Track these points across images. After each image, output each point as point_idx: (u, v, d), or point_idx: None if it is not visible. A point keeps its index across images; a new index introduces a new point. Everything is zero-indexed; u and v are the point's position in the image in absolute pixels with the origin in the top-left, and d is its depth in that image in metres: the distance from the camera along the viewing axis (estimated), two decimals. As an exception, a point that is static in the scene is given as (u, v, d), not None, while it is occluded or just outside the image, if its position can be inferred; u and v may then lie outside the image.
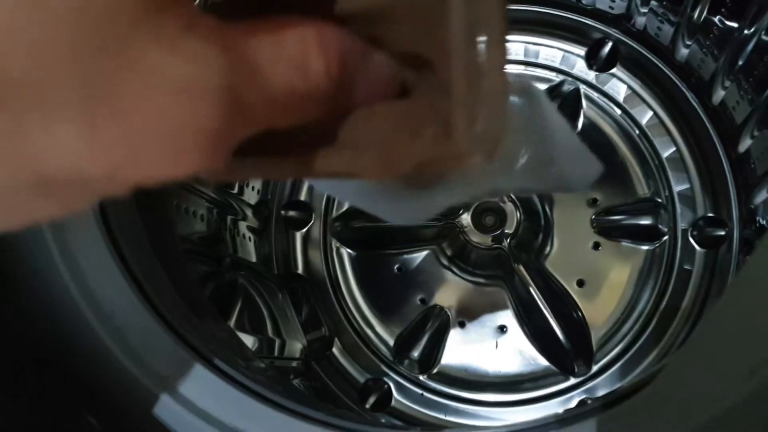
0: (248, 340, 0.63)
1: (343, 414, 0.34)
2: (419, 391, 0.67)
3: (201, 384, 0.32)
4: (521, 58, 0.71)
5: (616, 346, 0.65)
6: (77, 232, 0.36)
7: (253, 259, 0.69)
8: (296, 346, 0.68)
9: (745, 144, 0.62)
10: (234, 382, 0.33)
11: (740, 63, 0.60)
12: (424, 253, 0.70)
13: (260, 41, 0.19)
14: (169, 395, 0.32)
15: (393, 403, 0.67)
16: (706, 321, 0.31)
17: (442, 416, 0.66)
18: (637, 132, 0.68)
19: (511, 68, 0.71)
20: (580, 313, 0.66)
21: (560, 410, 0.66)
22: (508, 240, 0.67)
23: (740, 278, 0.31)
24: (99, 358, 0.32)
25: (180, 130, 0.17)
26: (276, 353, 0.66)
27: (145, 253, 0.37)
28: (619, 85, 0.69)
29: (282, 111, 0.20)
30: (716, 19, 0.61)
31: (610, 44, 0.70)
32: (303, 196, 0.72)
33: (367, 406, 0.67)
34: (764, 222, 0.61)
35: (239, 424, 0.32)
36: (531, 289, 0.66)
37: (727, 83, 0.63)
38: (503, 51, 0.21)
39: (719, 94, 0.64)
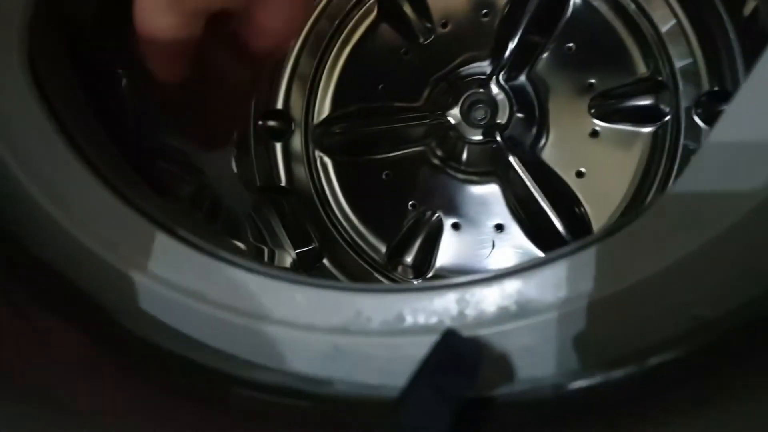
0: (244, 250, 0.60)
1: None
2: (416, 298, 0.64)
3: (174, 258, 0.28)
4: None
5: (620, 236, 0.62)
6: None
7: (234, 169, 0.66)
8: (286, 259, 0.64)
9: (751, 4, 0.57)
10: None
11: None
12: (413, 155, 0.66)
13: None
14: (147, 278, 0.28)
15: (389, 311, 0.64)
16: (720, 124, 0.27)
17: (440, 322, 0.63)
18: (633, 6, 0.63)
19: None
20: (581, 206, 0.62)
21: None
22: (501, 133, 0.63)
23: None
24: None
25: None
26: (266, 260, 0.63)
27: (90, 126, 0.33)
28: (611, -44, 0.64)
29: None
30: None
31: None
32: (280, 104, 0.68)
33: (362, 316, 0.64)
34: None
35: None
36: (527, 183, 0.62)
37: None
38: None
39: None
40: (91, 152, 0.29)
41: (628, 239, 0.25)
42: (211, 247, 0.27)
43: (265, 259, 0.60)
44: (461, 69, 0.66)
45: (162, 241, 0.27)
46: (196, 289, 0.26)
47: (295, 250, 0.64)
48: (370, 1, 0.67)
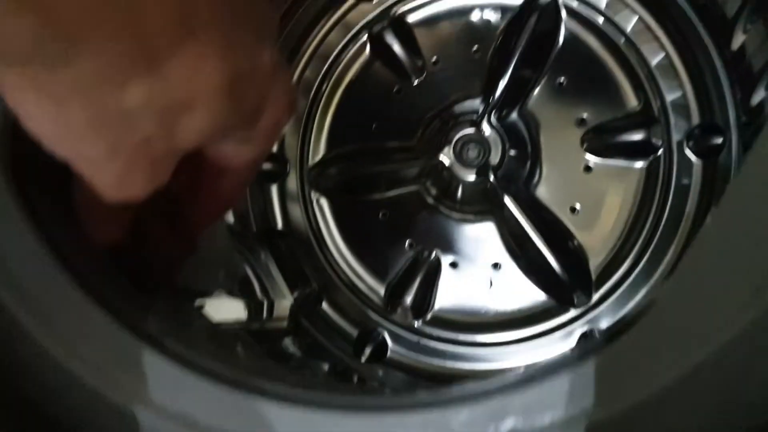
0: (238, 306, 0.60)
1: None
2: (415, 338, 0.65)
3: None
4: (491, -27, 0.66)
5: (616, 271, 0.62)
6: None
7: (230, 219, 0.66)
8: (284, 305, 0.65)
9: (739, 40, 0.57)
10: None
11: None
12: (408, 194, 0.67)
13: None
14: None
15: (389, 353, 0.64)
16: (698, 241, 0.27)
17: (440, 362, 0.64)
18: (623, 41, 0.63)
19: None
20: (575, 242, 0.63)
21: (563, 343, 0.63)
22: (494, 172, 0.63)
23: (732, 190, 0.27)
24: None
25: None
26: (265, 315, 0.63)
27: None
28: (599, -10, 0.64)
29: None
30: None
31: (586, -53, 0.64)
32: (274, 147, 0.68)
33: (363, 359, 0.64)
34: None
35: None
36: (522, 221, 0.62)
37: (716, -26, 0.58)
38: None
39: (707, -14, 0.59)
40: (80, 265, 0.29)
41: (624, 354, 0.25)
42: (221, 369, 0.27)
43: (264, 314, 0.60)
44: (454, 107, 0.66)
45: (172, 373, 0.27)
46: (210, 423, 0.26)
47: (293, 294, 0.65)
48: (361, 41, 0.67)
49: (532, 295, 0.63)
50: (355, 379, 0.63)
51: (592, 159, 0.63)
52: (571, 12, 0.64)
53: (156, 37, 0.22)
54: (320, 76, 0.68)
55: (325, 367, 0.64)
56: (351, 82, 0.68)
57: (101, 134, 0.24)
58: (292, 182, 0.68)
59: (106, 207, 0.27)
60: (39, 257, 0.29)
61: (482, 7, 0.65)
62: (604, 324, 0.62)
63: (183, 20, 0.23)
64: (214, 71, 0.24)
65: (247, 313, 0.58)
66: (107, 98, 0.23)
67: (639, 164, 0.62)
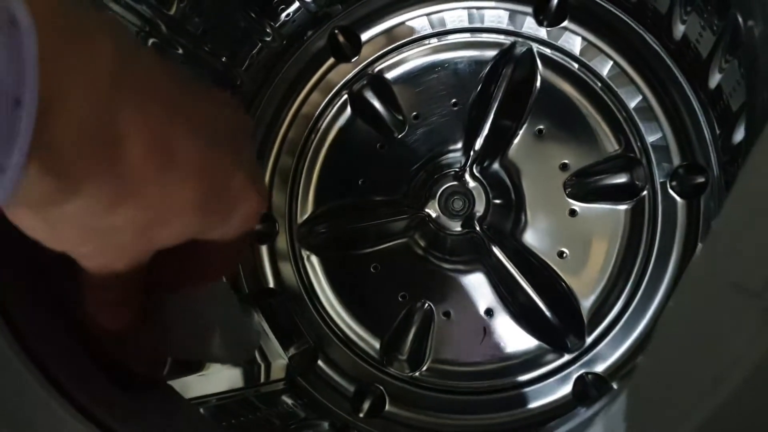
0: (235, 374, 0.60)
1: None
2: (413, 390, 0.65)
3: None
4: (465, 25, 0.67)
5: (607, 313, 0.62)
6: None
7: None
8: (280, 365, 0.65)
9: (715, 79, 0.58)
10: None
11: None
12: (398, 247, 0.67)
13: None
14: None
15: (387, 407, 0.65)
16: (656, 333, 0.28)
17: (439, 413, 0.64)
18: (600, 85, 0.64)
19: (456, 37, 0.67)
20: (564, 286, 0.63)
21: (560, 388, 0.63)
22: (480, 223, 0.64)
23: (682, 285, 0.27)
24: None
25: None
26: (262, 379, 0.63)
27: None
28: (573, 38, 0.65)
29: None
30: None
31: (557, -5, 0.65)
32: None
33: (361, 414, 0.64)
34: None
35: None
36: (510, 269, 0.63)
37: (686, 16, 0.59)
38: None
39: (679, 29, 0.60)
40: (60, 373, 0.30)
41: None
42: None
43: (262, 377, 0.60)
44: (438, 159, 0.67)
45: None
46: None
47: (288, 354, 0.65)
48: (342, 100, 0.68)
49: (527, 340, 0.64)
50: (355, 435, 0.63)
51: (576, 203, 0.63)
52: (546, 60, 0.65)
53: (138, 172, 0.26)
54: (304, 135, 0.69)
55: (326, 425, 0.64)
56: (335, 140, 0.69)
57: (87, 243, 0.29)
58: (282, 241, 0.69)
59: (115, 291, 0.31)
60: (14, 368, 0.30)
61: (458, 62, 0.66)
62: (599, 367, 0.62)
63: (163, 153, 0.27)
64: (189, 194, 0.28)
65: (244, 379, 0.59)
66: (93, 222, 0.27)
67: (624, 206, 0.63)
